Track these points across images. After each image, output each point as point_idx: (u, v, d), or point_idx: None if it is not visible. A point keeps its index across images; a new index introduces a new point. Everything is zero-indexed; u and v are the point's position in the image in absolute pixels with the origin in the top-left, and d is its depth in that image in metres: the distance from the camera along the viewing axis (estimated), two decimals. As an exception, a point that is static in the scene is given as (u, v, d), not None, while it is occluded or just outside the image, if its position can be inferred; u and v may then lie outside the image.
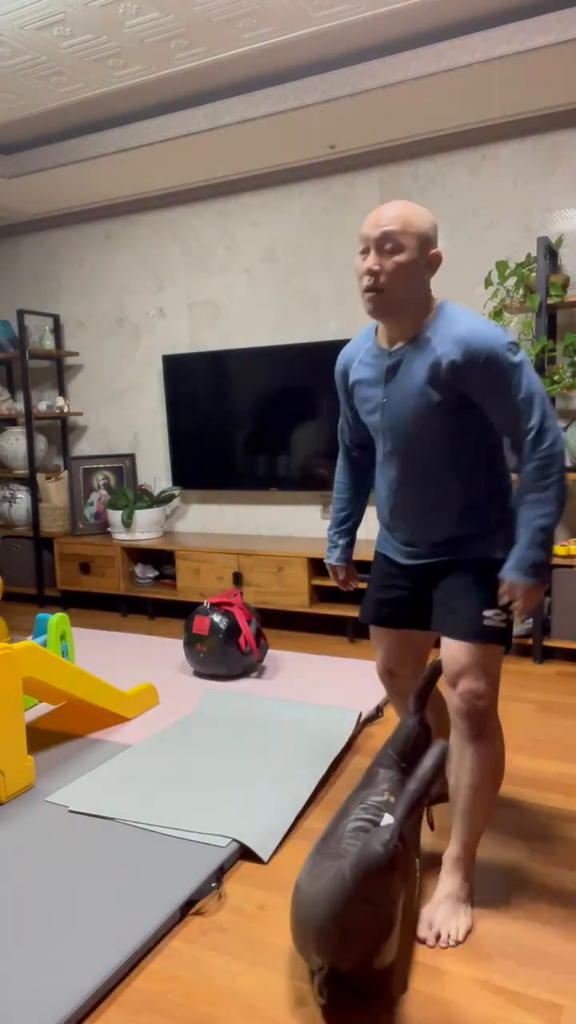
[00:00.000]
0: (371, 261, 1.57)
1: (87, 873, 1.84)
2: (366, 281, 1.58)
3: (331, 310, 4.08)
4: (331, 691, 3.03)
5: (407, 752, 1.77)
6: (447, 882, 1.70)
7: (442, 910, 1.66)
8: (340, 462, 2.08)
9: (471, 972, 1.53)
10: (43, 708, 2.93)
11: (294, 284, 4.16)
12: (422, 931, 1.64)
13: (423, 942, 1.62)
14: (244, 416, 4.25)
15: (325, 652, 3.65)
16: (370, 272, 1.57)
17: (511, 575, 1.60)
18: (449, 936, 1.62)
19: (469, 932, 1.64)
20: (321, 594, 3.95)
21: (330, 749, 2.46)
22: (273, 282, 4.22)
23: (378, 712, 2.84)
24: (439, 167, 3.73)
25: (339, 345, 3.92)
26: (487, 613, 1.66)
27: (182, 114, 3.49)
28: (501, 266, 3.28)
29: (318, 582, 3.82)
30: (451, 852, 1.71)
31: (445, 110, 3.35)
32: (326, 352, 3.96)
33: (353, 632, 3.82)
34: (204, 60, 3.11)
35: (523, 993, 1.47)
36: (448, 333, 1.58)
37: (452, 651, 1.68)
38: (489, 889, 1.80)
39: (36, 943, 1.61)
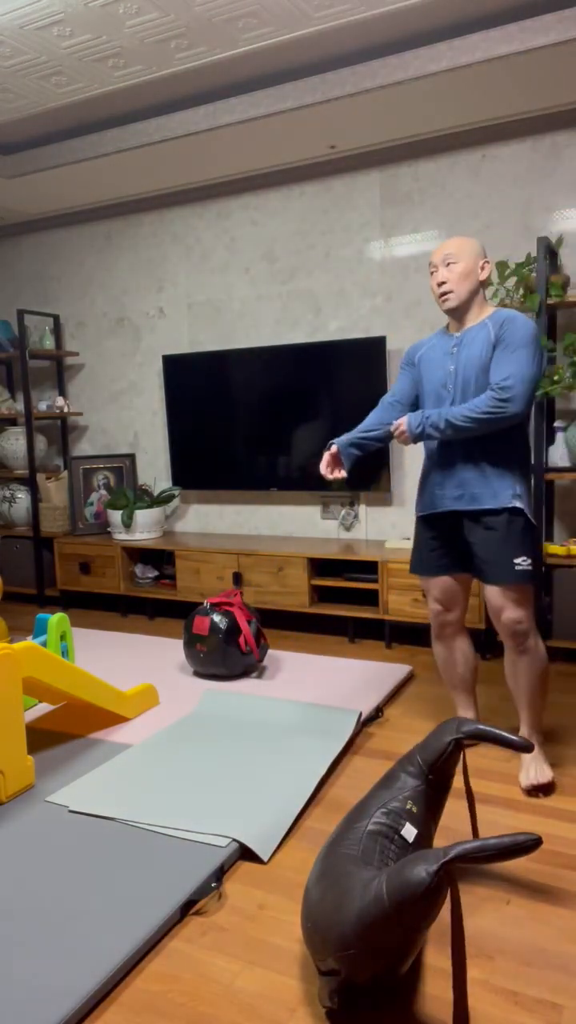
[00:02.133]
0: (440, 275, 2.23)
1: (87, 873, 1.84)
2: (437, 289, 2.24)
3: (331, 310, 4.08)
4: (331, 691, 3.03)
5: (437, 766, 1.72)
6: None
7: (532, 767, 2.24)
8: (378, 409, 2.46)
9: (471, 972, 1.53)
10: (43, 708, 2.93)
11: (294, 284, 4.16)
12: (523, 783, 2.22)
13: (527, 791, 2.21)
14: (244, 416, 4.25)
15: (325, 652, 3.65)
16: (440, 283, 2.23)
17: (408, 417, 2.21)
18: (540, 780, 2.20)
19: (552, 779, 2.24)
20: (321, 594, 3.95)
21: (330, 749, 2.46)
22: (273, 282, 4.22)
23: (378, 712, 2.84)
24: (439, 167, 3.73)
25: (339, 345, 3.92)
26: (516, 560, 2.18)
27: (182, 114, 3.49)
28: (501, 266, 3.28)
29: (318, 582, 3.82)
30: (523, 732, 2.32)
31: (445, 110, 3.35)
32: (326, 352, 3.97)
33: (353, 632, 3.82)
34: (204, 60, 3.11)
35: (523, 993, 1.47)
36: (497, 316, 2.20)
37: (493, 592, 2.23)
38: (489, 889, 1.80)
39: (36, 943, 1.61)
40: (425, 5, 2.77)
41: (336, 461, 2.36)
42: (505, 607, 2.21)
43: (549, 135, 3.48)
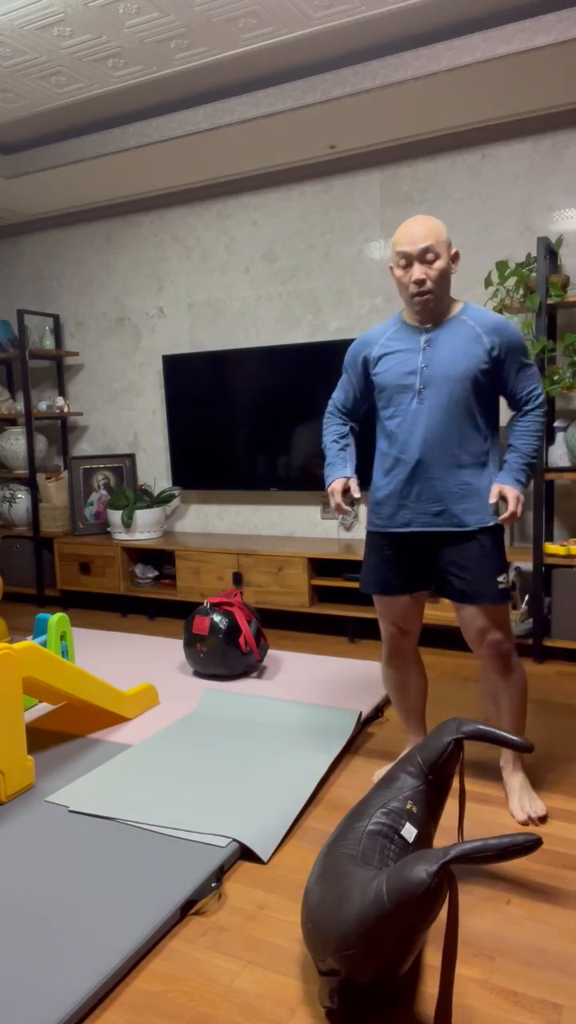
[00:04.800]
0: (417, 273, 1.97)
1: (87, 873, 1.84)
2: (413, 288, 1.99)
3: (331, 310, 4.08)
4: (331, 691, 3.03)
5: (437, 766, 1.70)
6: (514, 777, 2.15)
7: (525, 797, 2.11)
8: (333, 420, 2.29)
9: (471, 972, 1.53)
10: (43, 708, 2.93)
11: (294, 284, 4.16)
12: (519, 816, 2.07)
13: (524, 824, 2.05)
14: (244, 416, 4.25)
15: (325, 652, 3.65)
16: (417, 281, 1.98)
17: (505, 481, 2.01)
18: (536, 814, 2.07)
19: (546, 812, 2.10)
20: (321, 594, 3.95)
21: (330, 749, 2.46)
22: (273, 282, 4.22)
23: (378, 712, 2.84)
24: (439, 167, 3.73)
25: (339, 345, 3.92)
26: (499, 579, 2.04)
27: (182, 114, 3.49)
28: (501, 266, 3.28)
29: (318, 582, 3.82)
30: (507, 757, 2.17)
31: (445, 110, 3.35)
32: (326, 352, 3.97)
33: (353, 632, 3.82)
34: (204, 60, 3.11)
35: (523, 993, 1.47)
36: (484, 320, 2.01)
37: (474, 614, 2.06)
38: (489, 889, 1.80)
39: (36, 943, 1.61)
40: (425, 5, 2.77)
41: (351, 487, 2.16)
42: (489, 629, 2.06)
43: (549, 135, 3.48)
